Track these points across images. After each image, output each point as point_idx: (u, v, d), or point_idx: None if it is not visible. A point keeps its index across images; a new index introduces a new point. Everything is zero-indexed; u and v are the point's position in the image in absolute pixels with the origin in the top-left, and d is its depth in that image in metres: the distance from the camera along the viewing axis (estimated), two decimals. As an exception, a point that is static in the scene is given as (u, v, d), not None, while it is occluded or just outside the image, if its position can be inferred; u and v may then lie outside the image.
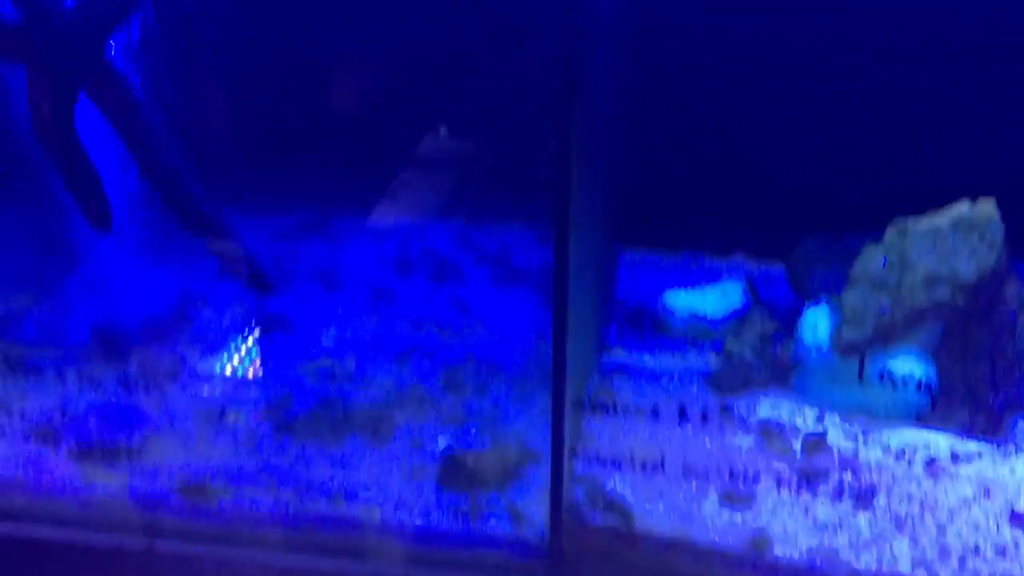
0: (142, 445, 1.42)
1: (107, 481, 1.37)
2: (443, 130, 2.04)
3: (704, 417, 1.43)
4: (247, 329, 1.69)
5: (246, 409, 1.51)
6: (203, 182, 1.64)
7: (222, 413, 1.49)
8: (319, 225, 2.06)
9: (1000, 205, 1.48)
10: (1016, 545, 1.22)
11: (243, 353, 1.64)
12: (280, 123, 1.96)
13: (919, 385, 1.34)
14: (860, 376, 1.38)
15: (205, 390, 1.54)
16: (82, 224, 1.63)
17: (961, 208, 1.46)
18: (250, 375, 1.60)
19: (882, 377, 1.35)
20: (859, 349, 1.43)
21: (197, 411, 1.50)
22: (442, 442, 1.44)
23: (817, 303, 1.52)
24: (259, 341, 1.67)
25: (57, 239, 1.80)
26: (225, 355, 1.63)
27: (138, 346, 1.60)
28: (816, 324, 1.49)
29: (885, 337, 1.42)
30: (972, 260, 1.42)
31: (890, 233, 1.48)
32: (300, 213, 2.07)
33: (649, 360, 1.63)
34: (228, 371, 1.59)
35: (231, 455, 1.42)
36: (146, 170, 1.54)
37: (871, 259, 1.47)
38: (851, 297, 1.46)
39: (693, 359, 1.63)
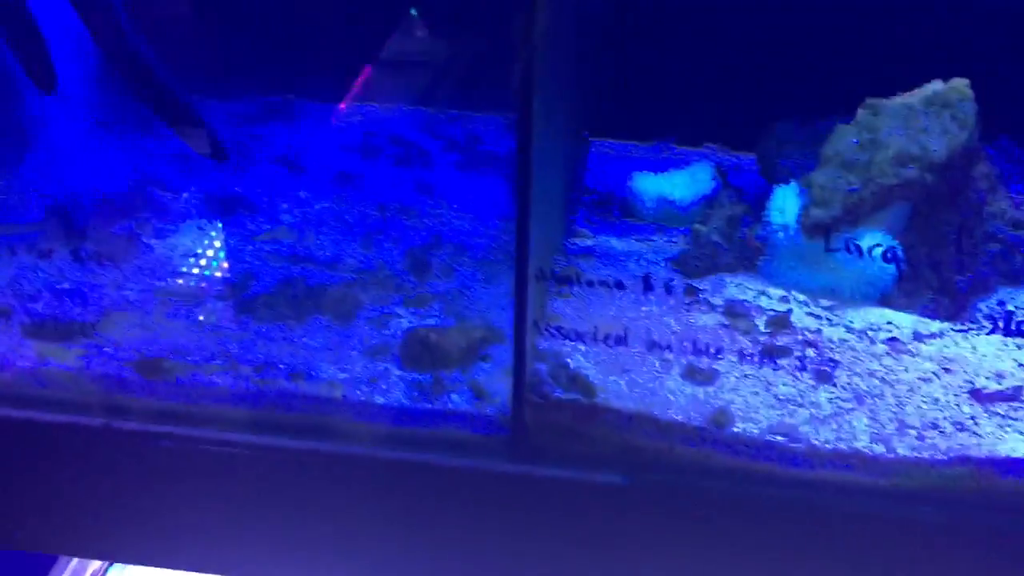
0: (98, 322, 1.39)
1: (62, 358, 1.35)
2: (414, 17, 1.98)
3: (669, 296, 1.42)
4: (208, 210, 1.65)
5: (206, 288, 1.48)
6: (161, 58, 1.59)
7: (181, 292, 1.47)
8: (282, 110, 2.00)
9: (973, 87, 1.47)
10: (974, 420, 1.23)
11: (203, 233, 1.60)
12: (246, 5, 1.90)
13: (885, 255, 1.33)
14: (827, 248, 1.36)
15: (164, 269, 1.51)
16: (37, 104, 1.57)
17: (934, 86, 1.43)
18: (211, 255, 1.56)
19: (848, 248, 1.34)
20: (827, 228, 1.41)
21: (155, 289, 1.47)
22: (406, 322, 1.43)
23: (786, 184, 1.50)
24: (220, 221, 1.63)
25: (11, 120, 1.74)
26: (185, 235, 1.59)
27: (95, 225, 1.56)
28: (784, 205, 1.47)
29: (853, 217, 1.41)
30: (943, 138, 1.40)
31: (862, 112, 1.45)
32: (263, 97, 2.02)
33: (616, 244, 1.61)
34: (187, 251, 1.56)
35: (190, 333, 1.40)
36: (102, 42, 1.47)
37: (842, 138, 1.45)
38: (820, 177, 1.44)
39: (660, 243, 1.61)
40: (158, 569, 1.98)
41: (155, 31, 1.60)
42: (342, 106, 2.01)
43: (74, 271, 1.48)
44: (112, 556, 1.73)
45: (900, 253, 1.35)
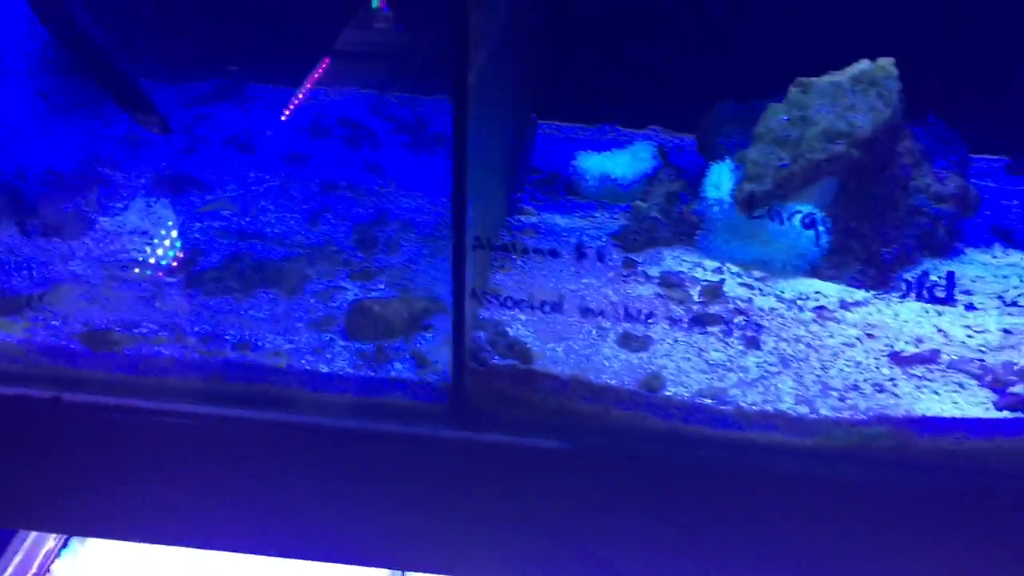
0: (45, 296, 1.41)
1: (8, 330, 1.37)
2: (371, 7, 2.02)
3: (608, 268, 1.47)
4: (157, 188, 1.67)
5: (153, 263, 1.50)
6: (106, 35, 1.60)
7: (130, 267, 1.49)
8: (234, 92, 2.03)
9: (903, 68, 1.53)
10: (893, 382, 1.29)
11: (152, 210, 1.62)
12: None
13: (803, 220, 1.38)
14: (749, 216, 1.41)
15: (111, 245, 1.53)
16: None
17: (861, 65, 1.49)
18: (159, 231, 1.58)
19: (770, 216, 1.39)
20: (760, 202, 1.46)
21: (104, 265, 1.49)
22: (352, 294, 1.46)
23: (721, 161, 1.55)
24: (169, 199, 1.65)
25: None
26: (133, 212, 1.61)
27: (43, 201, 1.58)
28: (719, 181, 1.52)
29: (784, 191, 1.46)
30: (869, 115, 1.45)
31: (793, 90, 1.51)
32: (214, 80, 2.04)
33: (560, 220, 1.66)
34: (135, 227, 1.58)
35: (138, 307, 1.42)
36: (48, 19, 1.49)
37: (774, 116, 1.50)
38: (753, 153, 1.49)
39: (602, 219, 1.66)
40: (113, 543, 2.00)
41: (107, 13, 1.62)
42: (299, 96, 2.03)
43: (22, 246, 1.50)
44: (65, 529, 1.75)
45: (819, 220, 1.41)
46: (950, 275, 1.30)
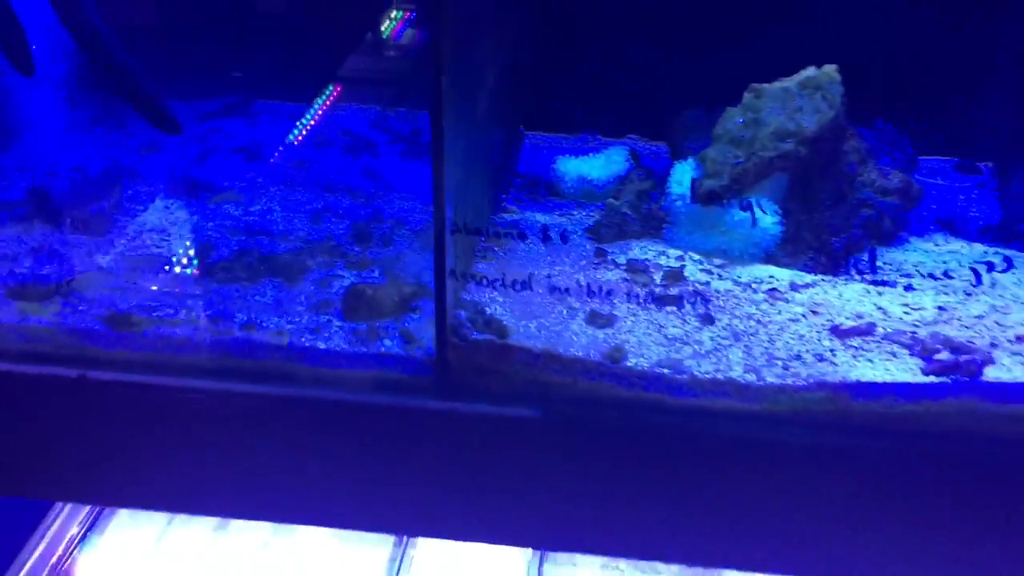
0: (73, 282, 1.57)
1: (39, 314, 1.52)
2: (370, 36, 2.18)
3: (581, 257, 1.61)
4: (174, 191, 1.83)
5: (171, 256, 1.66)
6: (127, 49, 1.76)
7: (149, 260, 1.65)
8: (243, 108, 2.19)
9: (854, 76, 1.68)
10: (832, 352, 1.42)
11: (169, 211, 1.78)
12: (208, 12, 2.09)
13: (740, 204, 1.52)
14: (693, 200, 1.56)
15: (135, 241, 1.69)
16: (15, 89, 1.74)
17: (808, 72, 1.64)
18: (175, 229, 1.74)
19: (716, 203, 1.54)
20: (718, 197, 1.61)
21: (126, 258, 1.65)
22: (348, 282, 1.61)
23: (685, 160, 1.70)
24: (185, 201, 1.81)
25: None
26: (153, 213, 1.77)
27: (72, 203, 1.74)
28: (682, 178, 1.67)
29: (739, 186, 1.60)
30: (815, 116, 1.60)
31: (747, 95, 1.66)
32: (225, 98, 2.21)
33: (540, 218, 1.81)
34: (155, 226, 1.74)
35: (156, 293, 1.58)
36: (73, 28, 1.64)
37: (731, 119, 1.65)
38: (712, 152, 1.64)
39: (579, 216, 1.81)
40: (132, 535, 2.14)
41: (122, 29, 1.78)
42: (312, 122, 2.19)
43: (52, 242, 1.66)
44: (90, 499, 1.90)
45: (754, 204, 1.55)
46: (872, 251, 1.43)
